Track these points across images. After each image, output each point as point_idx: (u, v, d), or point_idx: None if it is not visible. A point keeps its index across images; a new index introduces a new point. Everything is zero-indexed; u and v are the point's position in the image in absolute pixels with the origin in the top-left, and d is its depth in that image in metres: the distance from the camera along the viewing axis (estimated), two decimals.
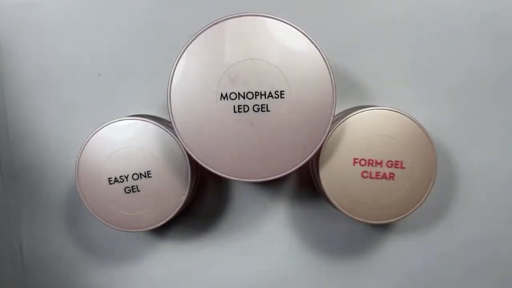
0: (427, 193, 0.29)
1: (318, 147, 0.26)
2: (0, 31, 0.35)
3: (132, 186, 0.30)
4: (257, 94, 0.26)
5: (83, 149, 0.30)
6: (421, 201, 0.29)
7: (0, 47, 0.35)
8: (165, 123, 0.32)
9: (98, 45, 0.35)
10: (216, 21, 0.26)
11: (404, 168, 0.29)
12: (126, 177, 0.30)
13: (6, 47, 0.36)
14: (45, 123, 0.36)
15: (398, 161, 0.29)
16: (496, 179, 0.35)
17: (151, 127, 0.30)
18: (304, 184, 0.36)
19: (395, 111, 0.29)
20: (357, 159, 0.29)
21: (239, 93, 0.26)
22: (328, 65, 0.26)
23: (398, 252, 0.36)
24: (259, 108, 0.26)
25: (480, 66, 0.35)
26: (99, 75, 0.36)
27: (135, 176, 0.30)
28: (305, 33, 0.26)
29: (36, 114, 0.36)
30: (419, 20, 0.34)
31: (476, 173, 0.35)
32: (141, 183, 0.30)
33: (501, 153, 0.35)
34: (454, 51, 0.34)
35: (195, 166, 0.31)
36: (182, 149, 0.30)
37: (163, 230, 0.36)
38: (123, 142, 0.30)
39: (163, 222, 0.30)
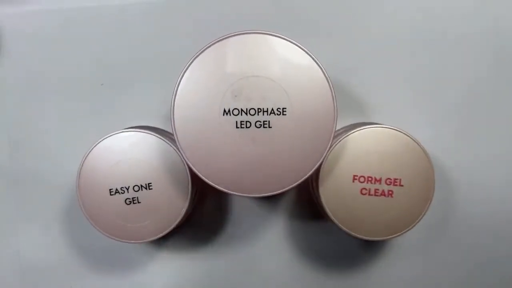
0: (424, 211, 0.30)
1: (318, 163, 0.27)
2: (3, 39, 0.36)
3: (132, 198, 0.30)
4: (259, 110, 0.26)
5: (84, 160, 0.30)
6: (419, 218, 0.30)
7: (3, 55, 0.36)
8: (167, 135, 0.32)
9: (101, 55, 0.36)
10: (219, 38, 0.27)
11: (402, 186, 0.29)
12: (127, 189, 0.30)
13: (9, 55, 0.36)
14: (47, 132, 0.36)
15: (396, 179, 0.29)
16: (494, 196, 0.36)
17: (153, 139, 0.31)
18: (303, 198, 0.36)
19: (395, 130, 0.30)
20: (357, 175, 0.29)
21: (241, 109, 0.26)
22: (330, 83, 0.27)
23: (395, 269, 0.36)
24: (261, 124, 0.26)
25: (480, 85, 0.35)
26: (102, 84, 0.36)
27: (136, 188, 0.30)
28: (307, 51, 0.27)
29: (38, 123, 0.36)
30: (420, 39, 0.35)
31: (474, 189, 0.35)
32: (142, 194, 0.30)
33: (500, 172, 0.35)
34: (455, 70, 0.35)
35: (195, 179, 0.31)
36: (183, 162, 0.30)
37: (162, 241, 0.36)
38: (124, 153, 0.30)
39: (163, 234, 0.31)
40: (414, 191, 0.29)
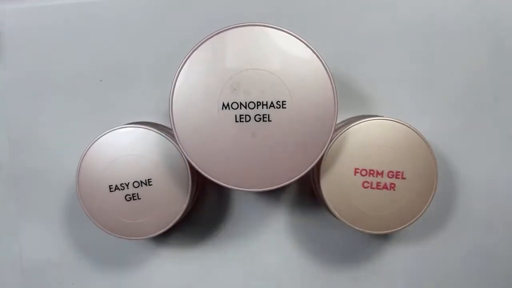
0: (427, 203, 0.29)
1: (319, 157, 0.26)
2: (1, 37, 0.35)
3: (132, 194, 0.30)
4: (258, 104, 0.26)
5: (84, 156, 0.30)
6: (422, 211, 0.29)
7: (1, 53, 0.36)
8: (166, 130, 0.32)
9: (99, 51, 0.35)
10: (218, 31, 0.26)
11: (405, 178, 0.29)
12: (127, 185, 0.30)
13: (7, 53, 0.36)
14: (46, 129, 0.36)
15: (399, 172, 0.29)
16: (496, 189, 0.35)
17: (152, 135, 0.30)
18: (304, 193, 0.36)
19: (397, 122, 0.29)
20: (358, 169, 0.29)
21: (240, 103, 0.26)
22: (330, 75, 0.26)
23: (398, 262, 0.36)
24: (260, 118, 0.26)
25: (481, 76, 0.35)
26: (101, 81, 0.36)
27: (136, 184, 0.30)
28: (307, 43, 0.26)
29: (37, 120, 0.36)
30: (420, 30, 0.34)
31: (477, 182, 0.35)
32: (142, 191, 0.30)
33: (502, 163, 0.35)
34: (455, 61, 0.35)
35: (195, 175, 0.31)
36: (183, 158, 0.30)
37: (163, 238, 0.36)
38: (124, 149, 0.30)
39: (163, 230, 0.30)
40: (416, 183, 0.29)
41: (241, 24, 0.26)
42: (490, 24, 0.34)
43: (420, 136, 0.29)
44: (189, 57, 0.26)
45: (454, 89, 0.35)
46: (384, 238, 0.36)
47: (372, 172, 0.29)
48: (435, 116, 0.35)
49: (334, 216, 0.30)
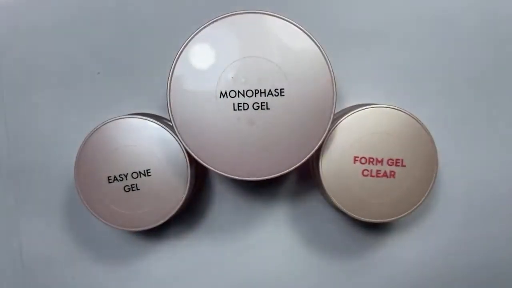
0: (428, 191, 0.29)
1: (318, 145, 0.26)
2: None
3: (131, 185, 0.30)
4: (256, 92, 0.26)
5: (82, 148, 0.30)
6: (422, 199, 0.29)
7: None
8: (165, 121, 0.32)
9: (97, 43, 0.35)
10: (215, 19, 0.26)
11: (404, 166, 0.29)
12: (126, 176, 0.30)
13: (4, 45, 0.35)
14: (44, 121, 0.36)
15: (398, 159, 0.29)
16: (495, 178, 0.35)
17: (151, 125, 0.30)
18: (304, 182, 0.35)
19: (396, 109, 0.29)
20: (358, 157, 0.29)
21: (238, 91, 0.26)
22: (329, 63, 0.26)
23: (398, 251, 0.36)
24: (258, 106, 0.26)
25: (482, 64, 0.34)
26: (98, 73, 0.35)
27: (135, 175, 0.30)
28: (306, 31, 0.26)
29: (35, 112, 0.36)
30: (418, 19, 0.34)
31: (476, 172, 0.35)
32: (141, 181, 0.30)
33: (500, 152, 0.35)
34: (456, 49, 0.34)
35: (194, 165, 0.31)
36: (181, 148, 0.30)
37: (162, 229, 0.36)
38: (122, 140, 0.30)
39: (162, 221, 0.30)
40: (416, 171, 0.29)
41: (238, 12, 0.26)
42: (490, 13, 0.34)
43: (420, 123, 0.29)
44: (186, 45, 0.26)
45: (455, 77, 0.34)
46: (384, 226, 0.36)
47: (371, 160, 0.29)
48: (435, 104, 0.35)
49: (334, 205, 0.30)
